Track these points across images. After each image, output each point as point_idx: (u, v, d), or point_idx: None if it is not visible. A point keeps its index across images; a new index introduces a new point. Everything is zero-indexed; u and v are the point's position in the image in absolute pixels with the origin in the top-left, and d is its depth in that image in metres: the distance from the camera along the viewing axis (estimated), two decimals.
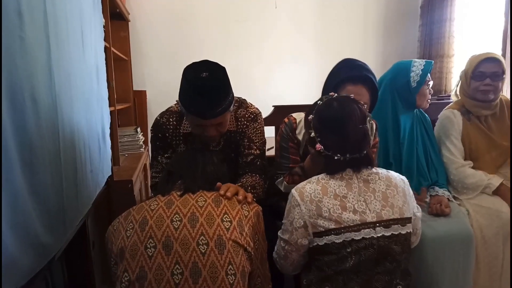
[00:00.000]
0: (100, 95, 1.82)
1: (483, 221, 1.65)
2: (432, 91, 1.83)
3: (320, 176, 1.20)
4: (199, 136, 1.48)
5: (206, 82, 1.30)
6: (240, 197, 1.17)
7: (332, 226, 1.12)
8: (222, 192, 1.16)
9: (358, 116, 1.18)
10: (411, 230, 1.20)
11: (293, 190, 1.19)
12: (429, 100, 1.81)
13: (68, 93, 1.32)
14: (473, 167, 1.81)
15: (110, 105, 2.08)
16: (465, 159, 1.83)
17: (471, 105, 1.83)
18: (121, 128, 2.91)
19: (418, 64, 1.75)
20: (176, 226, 1.05)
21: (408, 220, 1.18)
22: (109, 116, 2.03)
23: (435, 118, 1.96)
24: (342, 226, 1.12)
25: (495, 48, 2.73)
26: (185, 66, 1.38)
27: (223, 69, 1.37)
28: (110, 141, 2.00)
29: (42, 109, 1.08)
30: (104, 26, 2.06)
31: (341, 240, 1.12)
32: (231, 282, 1.01)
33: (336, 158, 1.17)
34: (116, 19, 3.00)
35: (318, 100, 1.29)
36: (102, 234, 1.18)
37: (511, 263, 1.62)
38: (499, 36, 2.77)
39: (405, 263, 1.19)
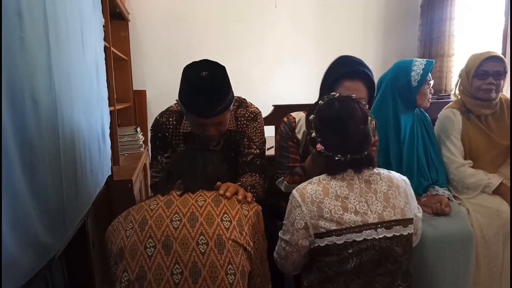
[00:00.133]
0: (100, 95, 1.82)
1: (483, 221, 1.65)
2: (432, 91, 1.83)
3: (321, 176, 1.20)
4: (199, 136, 1.48)
5: (206, 81, 1.30)
6: (240, 197, 1.16)
7: (334, 227, 1.11)
8: (221, 191, 1.16)
9: (360, 116, 1.17)
10: (413, 231, 1.20)
11: (294, 191, 1.18)
12: (429, 100, 1.81)
13: (68, 93, 1.33)
14: (473, 167, 1.81)
15: (110, 105, 2.08)
16: (465, 159, 1.83)
17: (472, 104, 1.83)
18: (121, 128, 2.91)
19: (419, 64, 1.75)
20: (176, 226, 1.05)
21: (409, 221, 1.17)
22: (109, 116, 2.03)
23: (435, 117, 1.96)
24: (344, 227, 1.11)
25: (495, 48, 2.73)
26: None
27: (223, 68, 1.36)
28: (110, 141, 2.00)
29: (42, 109, 1.08)
30: (104, 26, 2.06)
31: (342, 241, 1.11)
32: (231, 281, 1.01)
33: (336, 158, 1.16)
34: (116, 19, 3.00)
35: (319, 100, 1.29)
36: (102, 234, 1.18)
37: (511, 262, 1.62)
38: (499, 36, 2.77)
39: (407, 264, 1.19)
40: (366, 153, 1.17)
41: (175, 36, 3.56)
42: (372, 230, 1.12)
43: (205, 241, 1.03)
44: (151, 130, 1.60)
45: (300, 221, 1.14)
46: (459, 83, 1.89)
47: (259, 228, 1.17)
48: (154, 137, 1.58)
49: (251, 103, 1.64)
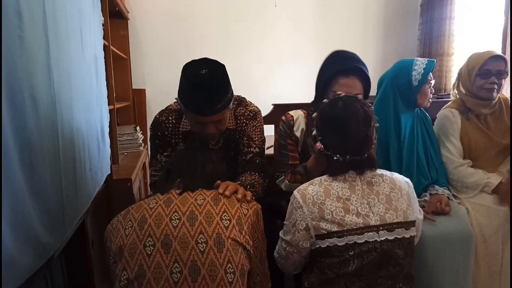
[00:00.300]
0: (99, 94, 1.82)
1: (482, 220, 1.65)
2: (433, 90, 1.83)
3: (323, 177, 1.18)
4: (199, 134, 1.48)
5: (205, 79, 1.30)
6: (239, 196, 1.16)
7: (335, 228, 1.10)
8: (221, 190, 1.16)
9: (362, 118, 1.15)
10: (415, 234, 1.19)
11: (295, 192, 1.18)
12: (430, 99, 1.81)
13: (68, 92, 1.32)
14: (472, 166, 1.81)
15: (109, 104, 2.08)
16: (464, 158, 1.82)
17: (472, 103, 1.82)
18: (120, 127, 2.91)
19: (420, 63, 1.74)
20: (175, 225, 1.05)
21: (412, 223, 1.16)
22: (108, 115, 2.02)
23: (435, 117, 1.96)
24: (345, 229, 1.10)
25: (495, 47, 2.73)
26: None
27: (222, 66, 1.36)
28: (109, 140, 1.99)
29: (41, 108, 1.08)
30: (103, 25, 2.06)
31: (343, 243, 1.10)
32: (230, 280, 1.01)
33: (335, 158, 1.15)
34: (115, 18, 3.00)
35: (316, 99, 1.29)
36: (102, 232, 1.18)
37: (511, 261, 1.62)
38: (499, 35, 2.77)
39: (408, 267, 1.18)
40: (366, 155, 1.16)
41: (175, 35, 3.55)
42: (374, 232, 1.11)
43: (205, 239, 1.03)
44: (150, 128, 1.60)
45: (301, 222, 1.13)
46: (458, 82, 1.88)
47: (259, 227, 1.17)
48: (154, 136, 1.58)
49: (250, 102, 1.64)
